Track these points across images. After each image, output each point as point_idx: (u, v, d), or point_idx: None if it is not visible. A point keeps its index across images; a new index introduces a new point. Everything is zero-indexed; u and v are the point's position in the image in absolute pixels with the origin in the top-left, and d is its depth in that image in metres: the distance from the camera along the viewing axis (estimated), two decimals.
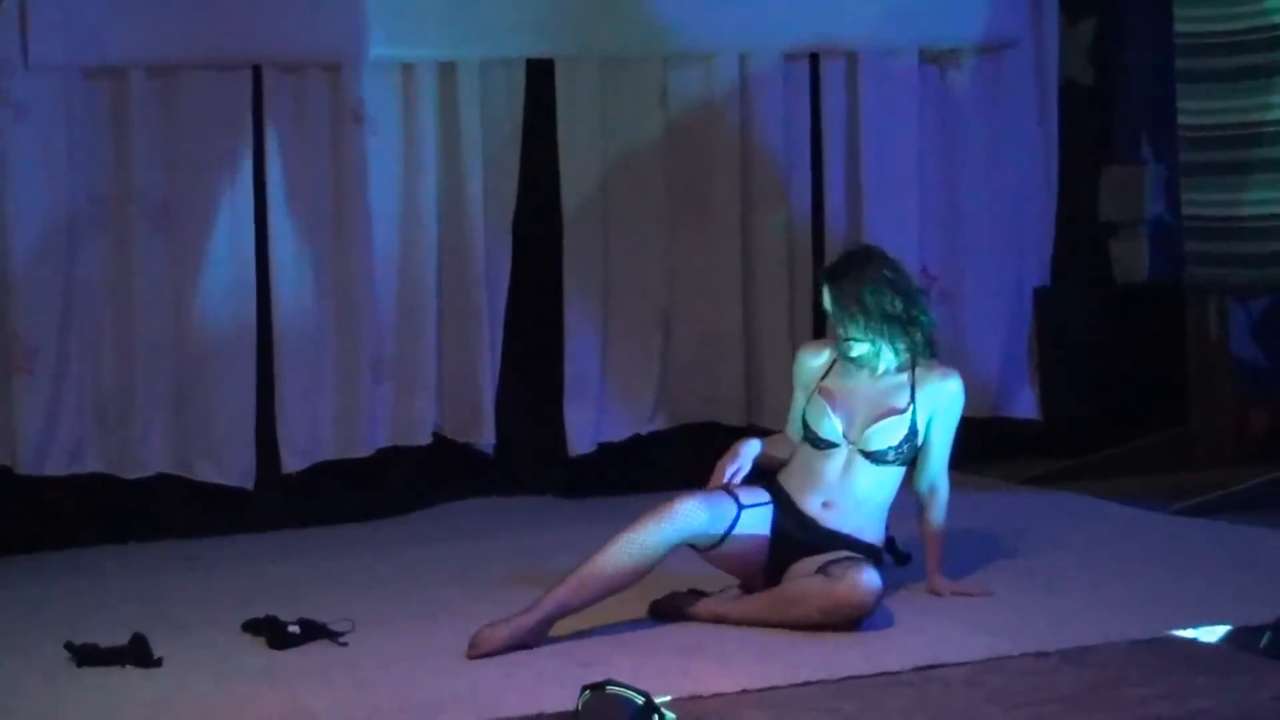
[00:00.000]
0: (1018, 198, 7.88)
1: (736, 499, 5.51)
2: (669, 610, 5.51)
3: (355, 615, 5.46)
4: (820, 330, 7.65)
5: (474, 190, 7.20)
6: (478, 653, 5.15)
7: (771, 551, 5.50)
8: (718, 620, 5.43)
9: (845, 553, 5.44)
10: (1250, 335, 7.61)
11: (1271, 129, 7.23)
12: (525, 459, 7.49)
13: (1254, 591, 5.48)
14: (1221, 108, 7.38)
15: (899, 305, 5.58)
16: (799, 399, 5.73)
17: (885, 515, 5.64)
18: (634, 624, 5.45)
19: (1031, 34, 7.87)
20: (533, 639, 5.21)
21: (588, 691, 4.31)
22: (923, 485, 5.71)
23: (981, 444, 7.78)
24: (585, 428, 7.42)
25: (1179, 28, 7.49)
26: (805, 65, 7.64)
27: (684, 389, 7.56)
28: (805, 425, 5.62)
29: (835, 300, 5.62)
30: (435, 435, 7.25)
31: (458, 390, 7.25)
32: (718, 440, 7.54)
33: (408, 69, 7.10)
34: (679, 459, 7.54)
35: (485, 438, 7.27)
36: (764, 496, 5.56)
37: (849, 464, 5.55)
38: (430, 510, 7.27)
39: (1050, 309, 7.88)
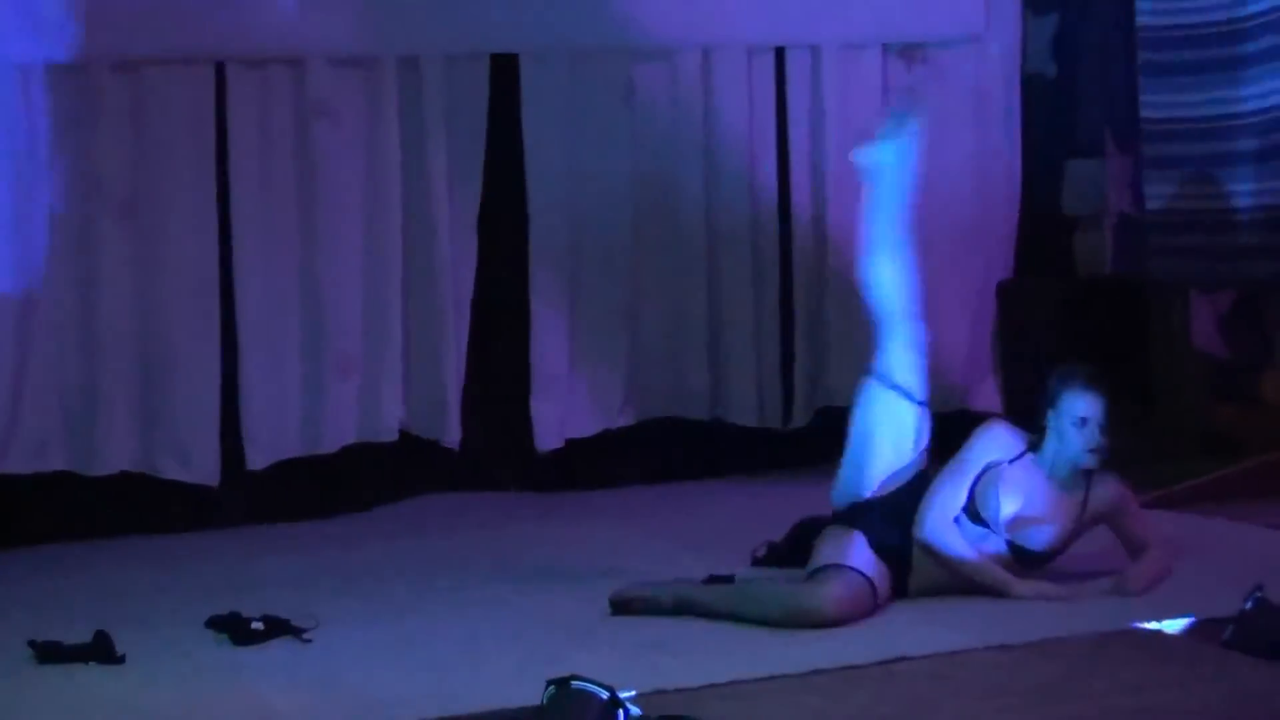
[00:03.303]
0: (982, 191, 7.90)
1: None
2: (632, 604, 5.51)
3: (319, 612, 5.44)
4: (788, 324, 7.68)
5: (438, 186, 7.19)
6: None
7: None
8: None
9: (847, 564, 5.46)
10: (1216, 328, 7.62)
11: (1235, 122, 7.25)
12: (492, 455, 7.49)
13: (1217, 584, 5.49)
14: (1184, 101, 7.41)
15: None
16: (966, 474, 5.58)
17: None
18: (598, 619, 5.45)
19: (995, 28, 7.89)
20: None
21: (552, 686, 4.30)
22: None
23: (944, 438, 7.79)
24: (553, 423, 7.42)
25: (1141, 20, 7.51)
26: (770, 60, 7.65)
27: (651, 384, 7.56)
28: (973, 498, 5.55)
29: (1109, 418, 5.53)
30: (401, 432, 7.24)
31: (424, 386, 7.24)
32: (684, 435, 7.61)
33: (371, 64, 7.09)
34: (646, 454, 7.56)
35: (451, 434, 7.26)
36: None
37: (989, 549, 5.52)
38: (396, 506, 7.27)
39: (1013, 302, 7.89)
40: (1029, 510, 5.55)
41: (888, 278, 5.68)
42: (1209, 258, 7.37)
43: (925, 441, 5.63)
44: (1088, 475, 5.58)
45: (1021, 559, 5.54)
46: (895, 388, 5.64)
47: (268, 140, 6.97)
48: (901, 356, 5.65)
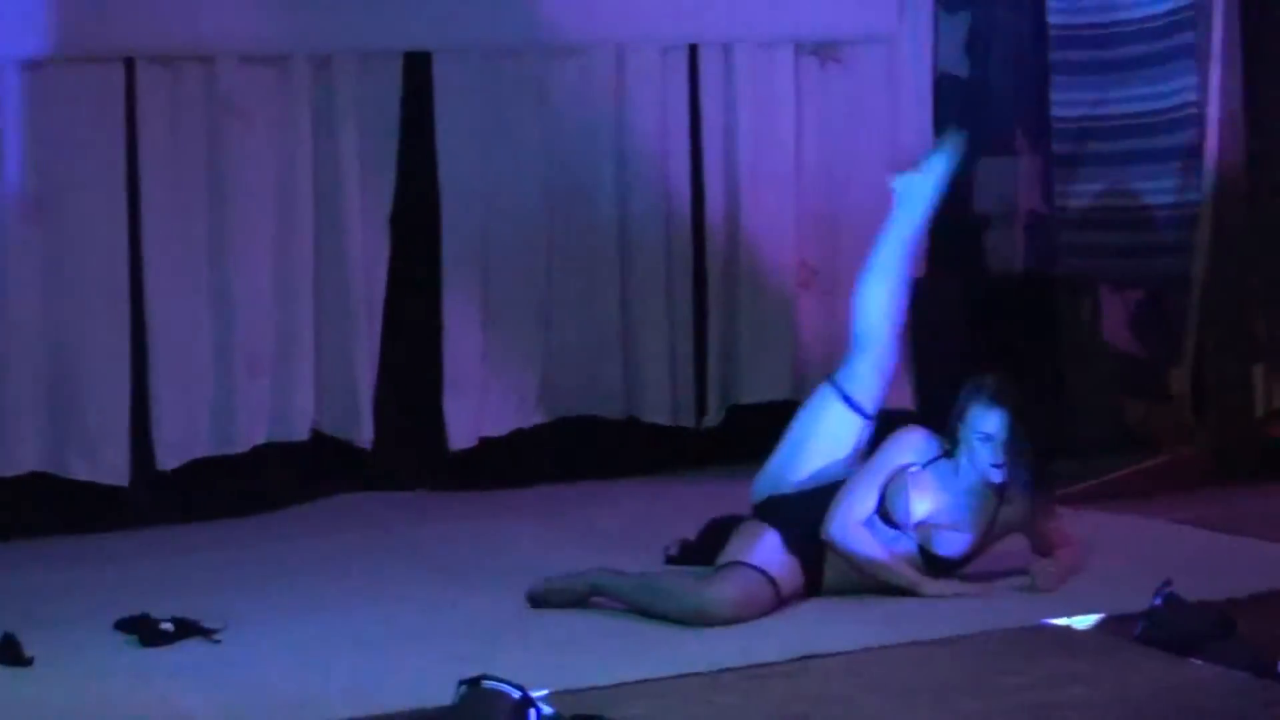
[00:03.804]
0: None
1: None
2: (549, 595, 5.51)
3: (230, 612, 5.41)
4: (701, 323, 7.68)
5: (350, 184, 7.15)
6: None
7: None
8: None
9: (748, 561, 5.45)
10: (1126, 325, 7.67)
11: (1143, 120, 7.31)
12: (405, 454, 7.45)
13: (1127, 580, 5.52)
14: (1094, 99, 7.46)
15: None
16: (878, 476, 5.57)
17: None
18: (510, 618, 5.44)
19: (907, 27, 7.91)
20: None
21: (464, 686, 4.29)
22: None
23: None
24: (466, 422, 7.40)
25: (1052, 20, 7.56)
26: (683, 58, 7.65)
27: (564, 382, 7.55)
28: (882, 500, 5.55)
29: (1015, 433, 5.48)
30: (313, 431, 7.21)
31: (335, 385, 7.21)
32: (598, 434, 7.60)
33: (283, 62, 7.05)
34: (560, 453, 7.54)
35: (363, 433, 7.23)
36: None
37: (900, 550, 5.52)
38: (308, 506, 7.22)
39: (925, 300, 7.89)
40: (940, 517, 5.55)
41: (879, 301, 5.78)
42: (1119, 255, 7.42)
43: (859, 449, 5.69)
44: (999, 488, 5.57)
45: (932, 564, 5.55)
46: (848, 400, 5.69)
47: (178, 138, 6.92)
48: (866, 376, 5.73)
